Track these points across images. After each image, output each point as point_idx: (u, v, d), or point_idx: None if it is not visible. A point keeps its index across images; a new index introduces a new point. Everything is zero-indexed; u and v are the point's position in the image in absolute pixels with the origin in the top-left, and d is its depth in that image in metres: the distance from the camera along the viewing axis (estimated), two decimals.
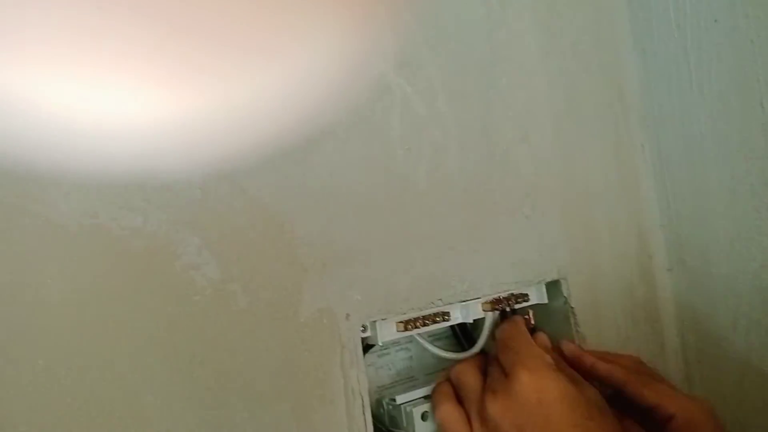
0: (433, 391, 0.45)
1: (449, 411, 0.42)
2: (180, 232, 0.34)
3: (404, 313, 0.43)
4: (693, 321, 0.58)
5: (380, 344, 0.42)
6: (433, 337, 0.50)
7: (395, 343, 0.49)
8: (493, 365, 0.44)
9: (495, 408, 0.40)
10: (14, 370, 0.30)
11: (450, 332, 0.51)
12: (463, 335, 0.51)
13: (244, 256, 0.36)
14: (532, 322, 0.52)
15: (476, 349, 0.48)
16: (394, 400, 0.44)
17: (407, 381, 0.49)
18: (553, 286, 0.52)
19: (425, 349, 0.49)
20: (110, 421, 0.32)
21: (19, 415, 0.29)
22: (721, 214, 0.55)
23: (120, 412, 0.32)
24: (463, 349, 0.49)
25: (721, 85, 0.53)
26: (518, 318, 0.49)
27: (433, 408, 0.43)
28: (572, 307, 0.52)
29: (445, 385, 0.45)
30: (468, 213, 0.46)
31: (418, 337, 0.47)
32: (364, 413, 0.39)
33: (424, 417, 0.44)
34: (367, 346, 0.43)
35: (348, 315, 0.40)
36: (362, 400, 0.39)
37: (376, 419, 0.44)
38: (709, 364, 0.58)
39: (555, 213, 0.52)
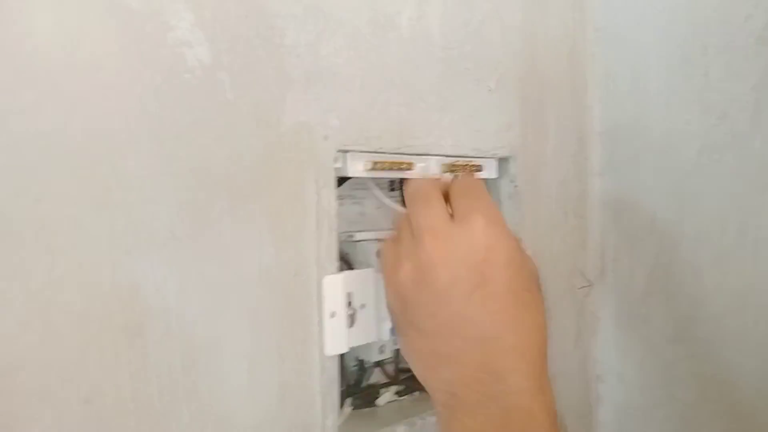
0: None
1: (387, 244, 0.40)
2: (175, 3, 0.33)
3: (375, 152, 0.43)
4: (614, 222, 0.64)
5: (349, 176, 0.43)
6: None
7: (349, 195, 0.50)
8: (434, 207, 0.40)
9: (434, 246, 0.36)
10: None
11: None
12: None
13: (234, 48, 0.35)
14: None
15: None
16: (352, 236, 0.45)
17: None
18: (503, 164, 0.55)
19: (378, 207, 0.50)
20: (93, 178, 0.30)
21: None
22: (656, 126, 0.60)
23: (103, 171, 0.31)
24: None
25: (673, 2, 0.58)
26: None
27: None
28: (516, 186, 0.55)
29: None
30: (441, 70, 0.48)
31: (375, 189, 0.48)
32: (331, 233, 0.40)
33: (378, 254, 0.45)
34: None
35: (326, 137, 0.40)
36: (331, 221, 0.40)
37: None
38: (623, 263, 0.63)
39: (515, 94, 0.54)
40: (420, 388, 0.49)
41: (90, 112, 0.31)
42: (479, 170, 0.52)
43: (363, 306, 0.43)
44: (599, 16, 0.63)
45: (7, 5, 0.28)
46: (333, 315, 0.40)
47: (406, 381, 0.50)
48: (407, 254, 0.37)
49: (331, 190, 0.40)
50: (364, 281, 0.43)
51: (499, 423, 0.34)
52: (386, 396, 0.48)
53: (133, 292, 0.32)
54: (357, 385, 0.47)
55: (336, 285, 0.40)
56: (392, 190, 0.53)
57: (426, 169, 0.48)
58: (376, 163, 0.44)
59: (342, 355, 0.42)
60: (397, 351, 0.50)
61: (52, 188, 0.29)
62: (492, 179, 0.54)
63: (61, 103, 0.30)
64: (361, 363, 0.47)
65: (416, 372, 0.39)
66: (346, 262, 0.45)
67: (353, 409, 0.45)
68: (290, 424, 0.38)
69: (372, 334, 0.43)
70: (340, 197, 0.44)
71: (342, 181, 0.45)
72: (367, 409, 0.46)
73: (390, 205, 0.49)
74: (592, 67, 0.64)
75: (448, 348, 0.36)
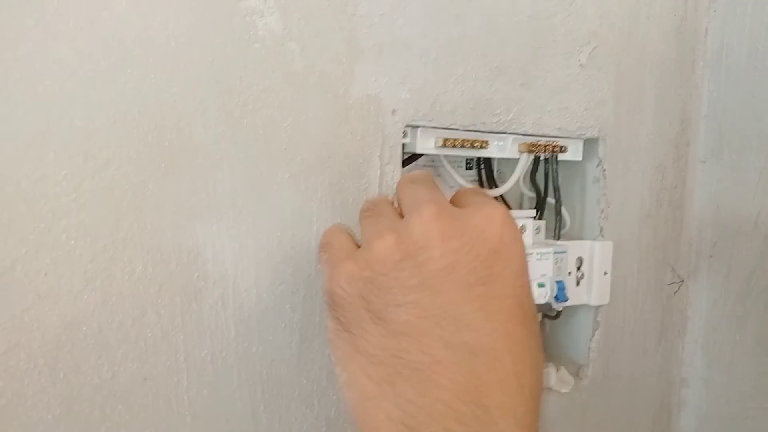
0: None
1: (338, 230, 0.33)
2: None
3: (447, 128, 0.42)
4: (715, 216, 0.58)
5: (419, 152, 0.42)
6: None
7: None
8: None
9: (434, 221, 0.27)
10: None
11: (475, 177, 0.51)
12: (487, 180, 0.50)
13: (306, 17, 0.35)
14: None
15: (503, 189, 0.48)
16: None
17: None
18: (590, 145, 0.51)
19: (451, 186, 0.48)
20: (161, 144, 0.31)
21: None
22: None
23: (171, 137, 0.32)
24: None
25: None
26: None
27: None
28: (605, 170, 0.51)
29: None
30: (526, 42, 0.45)
31: (446, 164, 0.47)
32: None
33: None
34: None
35: (394, 110, 0.39)
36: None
37: None
38: (721, 259, 0.58)
39: (609, 70, 0.50)
40: None
41: (161, 79, 0.31)
42: (563, 151, 0.49)
43: None
44: None
45: None
46: None
47: None
48: (391, 227, 0.28)
49: (396, 165, 0.39)
50: None
51: None
52: None
53: (192, 258, 0.32)
54: None
55: None
56: (468, 168, 0.51)
57: (502, 148, 0.46)
58: (446, 140, 0.42)
59: None
60: None
61: (122, 153, 0.30)
62: (577, 161, 0.51)
63: (134, 71, 0.30)
64: None
65: (354, 392, 0.27)
66: None
67: None
68: (338, 399, 0.38)
69: None
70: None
71: (415, 157, 0.44)
72: None
73: (463, 184, 0.48)
74: (704, 43, 0.58)
75: (421, 355, 0.25)
